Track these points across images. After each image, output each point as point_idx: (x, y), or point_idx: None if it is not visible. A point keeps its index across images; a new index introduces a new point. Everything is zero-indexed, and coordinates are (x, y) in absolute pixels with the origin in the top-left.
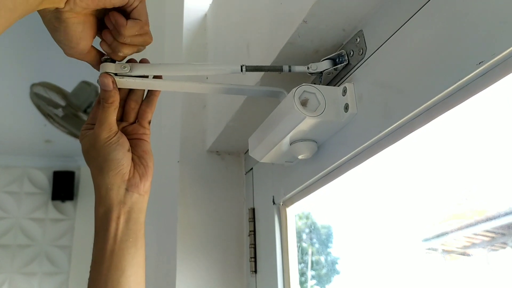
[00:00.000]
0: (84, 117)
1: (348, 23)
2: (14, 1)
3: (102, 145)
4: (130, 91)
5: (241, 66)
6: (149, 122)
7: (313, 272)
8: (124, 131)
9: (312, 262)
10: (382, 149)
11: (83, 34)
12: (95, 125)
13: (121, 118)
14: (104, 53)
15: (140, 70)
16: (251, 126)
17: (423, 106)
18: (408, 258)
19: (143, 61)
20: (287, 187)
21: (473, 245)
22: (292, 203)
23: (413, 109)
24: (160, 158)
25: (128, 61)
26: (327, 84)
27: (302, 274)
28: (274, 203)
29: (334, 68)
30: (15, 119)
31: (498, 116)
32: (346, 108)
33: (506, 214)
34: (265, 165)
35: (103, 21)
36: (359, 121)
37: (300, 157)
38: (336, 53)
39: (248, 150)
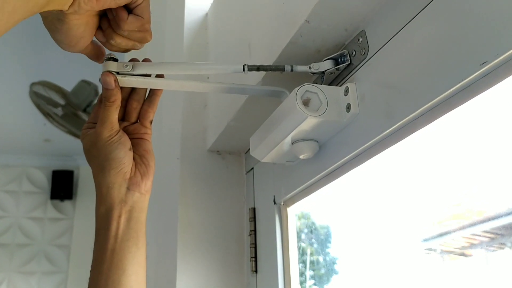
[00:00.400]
0: (84, 116)
1: (351, 23)
2: (14, 4)
3: (104, 144)
4: (132, 91)
5: (243, 66)
6: (151, 122)
7: (311, 272)
8: (125, 130)
9: (310, 262)
10: (384, 149)
11: (84, 34)
12: (96, 124)
13: (123, 118)
14: (99, 42)
15: (142, 69)
16: (252, 125)
17: (425, 107)
18: (407, 259)
19: (145, 60)
20: (288, 186)
21: (472, 245)
22: (293, 203)
23: (415, 110)
24: (161, 157)
25: (130, 60)
26: (329, 84)
27: (301, 274)
28: (275, 202)
29: (336, 68)
30: (14, 118)
31: (500, 117)
32: (348, 108)
33: (505, 214)
34: (266, 164)
35: (103, 16)
36: (361, 121)
37: (301, 157)
38: (338, 53)
39: (248, 149)
